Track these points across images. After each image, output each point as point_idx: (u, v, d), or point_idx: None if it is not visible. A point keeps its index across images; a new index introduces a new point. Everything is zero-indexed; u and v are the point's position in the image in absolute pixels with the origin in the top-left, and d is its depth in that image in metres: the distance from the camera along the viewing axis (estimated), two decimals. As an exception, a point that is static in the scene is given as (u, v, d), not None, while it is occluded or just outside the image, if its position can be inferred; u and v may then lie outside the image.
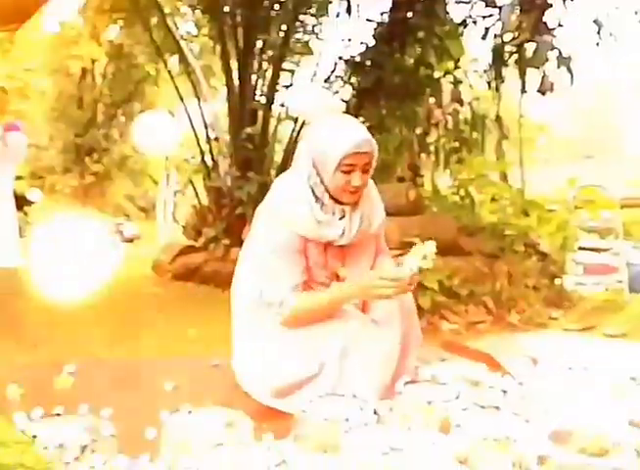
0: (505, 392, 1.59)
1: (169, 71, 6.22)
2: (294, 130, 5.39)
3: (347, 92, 5.35)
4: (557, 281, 4.31)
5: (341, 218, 1.72)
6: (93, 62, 10.40)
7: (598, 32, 4.68)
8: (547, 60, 4.64)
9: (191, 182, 5.83)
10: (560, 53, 4.45)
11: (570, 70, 4.49)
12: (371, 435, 1.19)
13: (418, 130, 5.47)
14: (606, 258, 5.84)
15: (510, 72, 5.56)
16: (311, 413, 1.36)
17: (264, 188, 4.81)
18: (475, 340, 3.01)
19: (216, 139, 5.53)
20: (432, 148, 5.71)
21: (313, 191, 1.69)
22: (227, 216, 4.88)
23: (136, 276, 5.40)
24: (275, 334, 1.71)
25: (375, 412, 1.34)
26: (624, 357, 2.28)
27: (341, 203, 1.71)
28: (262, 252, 1.72)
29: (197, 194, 5.63)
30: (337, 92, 5.43)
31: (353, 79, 5.23)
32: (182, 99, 5.63)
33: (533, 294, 3.83)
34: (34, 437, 1.13)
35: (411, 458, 1.16)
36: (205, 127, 5.46)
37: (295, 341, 1.70)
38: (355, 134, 1.64)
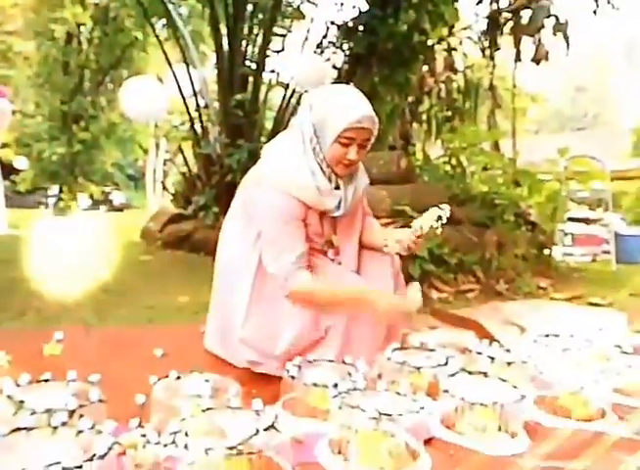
0: (493, 359, 1.61)
1: (157, 36, 6.07)
2: (285, 97, 5.31)
3: (340, 58, 5.25)
4: (546, 251, 4.34)
5: (336, 189, 1.72)
6: (78, 26, 10.08)
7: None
8: (543, 27, 4.57)
9: (180, 150, 5.75)
10: (557, 19, 4.37)
11: (566, 38, 4.42)
12: (360, 400, 1.20)
13: (410, 98, 5.40)
14: (595, 229, 5.89)
15: (505, 41, 5.49)
16: (300, 379, 1.37)
17: (255, 155, 4.75)
18: (464, 308, 3.03)
19: (206, 106, 5.44)
20: (424, 117, 5.66)
21: (314, 158, 1.68)
22: (217, 184, 4.84)
23: (125, 244, 5.37)
24: (275, 300, 1.69)
25: (364, 378, 1.34)
26: (610, 326, 2.30)
27: (335, 174, 1.71)
28: (264, 220, 1.67)
29: (186, 162, 5.57)
30: (329, 59, 5.33)
31: (345, 45, 5.12)
32: (170, 65, 5.51)
33: (522, 263, 3.86)
34: (21, 402, 1.12)
35: (399, 423, 1.17)
36: (195, 94, 5.36)
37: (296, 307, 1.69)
38: (359, 109, 1.62)
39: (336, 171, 1.69)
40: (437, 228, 1.68)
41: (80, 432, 1.01)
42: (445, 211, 1.67)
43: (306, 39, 5.39)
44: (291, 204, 1.65)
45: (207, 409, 1.12)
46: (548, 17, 4.55)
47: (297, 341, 1.65)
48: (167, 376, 1.33)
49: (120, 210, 18.13)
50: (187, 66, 5.35)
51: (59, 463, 0.88)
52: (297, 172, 1.66)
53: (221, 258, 1.82)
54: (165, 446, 1.08)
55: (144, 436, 1.13)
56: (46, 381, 1.26)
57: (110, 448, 0.94)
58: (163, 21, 6.31)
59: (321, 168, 1.67)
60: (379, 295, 1.66)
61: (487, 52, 5.57)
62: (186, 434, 1.02)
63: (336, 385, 1.28)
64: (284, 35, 5.46)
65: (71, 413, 1.10)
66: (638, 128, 9.33)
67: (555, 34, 4.43)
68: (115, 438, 1.04)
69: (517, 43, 4.70)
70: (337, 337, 1.66)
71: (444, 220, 1.67)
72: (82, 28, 10.24)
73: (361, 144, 1.65)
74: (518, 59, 4.75)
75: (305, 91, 5.44)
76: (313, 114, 1.66)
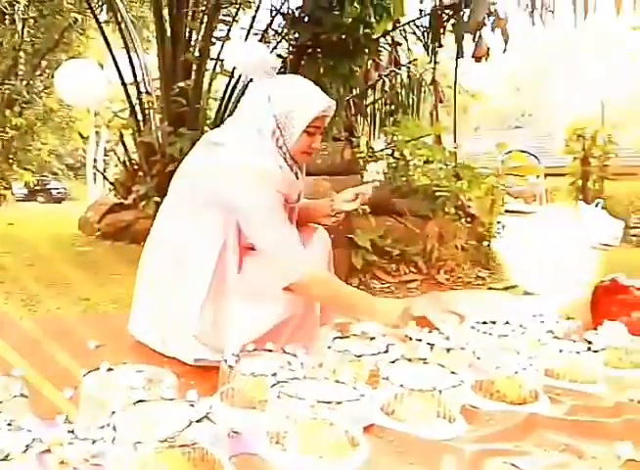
0: (432, 345, 1.61)
1: (97, 19, 5.82)
2: (229, 85, 5.21)
3: (284, 48, 5.19)
4: (484, 243, 4.45)
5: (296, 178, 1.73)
6: (12, 4, 9.52)
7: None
8: (484, 24, 4.66)
9: (121, 138, 5.55)
10: (497, 15, 4.47)
11: (504, 34, 4.53)
12: (299, 389, 1.17)
13: (355, 91, 5.41)
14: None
15: (448, 38, 5.57)
16: (238, 368, 1.33)
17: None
18: (405, 298, 3.07)
19: (147, 93, 5.26)
20: (368, 110, 5.68)
21: (278, 151, 1.65)
22: (158, 173, 4.68)
23: (63, 236, 5.16)
24: (239, 294, 1.62)
25: (302, 366, 1.32)
26: (543, 314, 2.37)
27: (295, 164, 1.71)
28: (259, 209, 1.57)
29: (126, 150, 5.38)
30: (275, 47, 5.26)
31: (291, 35, 5.07)
32: (111, 50, 5.29)
33: (462, 254, 3.94)
34: None
35: (339, 411, 1.15)
36: (136, 80, 5.18)
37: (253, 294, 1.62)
38: (324, 97, 1.66)
39: (298, 161, 1.70)
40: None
41: (-4, 429, 0.93)
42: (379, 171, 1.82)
43: (251, 27, 5.29)
44: (270, 193, 1.59)
45: (139, 402, 1.07)
46: (489, 15, 4.65)
47: (267, 335, 1.57)
48: (98, 368, 1.25)
49: (59, 201, 17.41)
50: (128, 51, 5.15)
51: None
52: (265, 162, 1.61)
53: (165, 247, 1.70)
54: (94, 442, 1.02)
55: (71, 432, 1.06)
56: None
57: (28, 446, 0.87)
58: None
59: (285, 161, 1.66)
60: (380, 302, 1.69)
61: (430, 48, 5.64)
62: (114, 428, 0.96)
63: (274, 374, 1.24)
64: (229, 22, 5.34)
65: (-11, 410, 1.02)
66: (570, 127, 9.75)
67: (493, 31, 4.52)
68: (39, 434, 0.98)
69: (459, 40, 4.78)
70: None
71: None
72: (16, 7, 9.67)
73: (322, 132, 1.68)
74: (460, 55, 4.83)
75: (250, 80, 5.35)
76: (274, 105, 1.62)
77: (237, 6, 5.39)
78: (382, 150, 5.04)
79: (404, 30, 5.77)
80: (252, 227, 1.59)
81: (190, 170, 1.73)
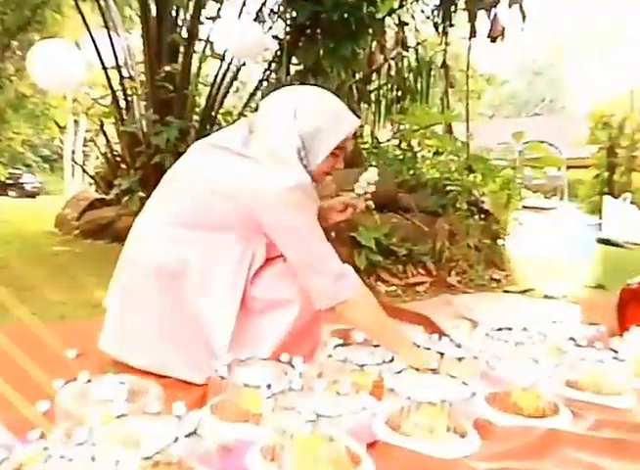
0: (442, 354, 1.62)
1: (73, -6, 5.81)
2: (220, 69, 5.21)
3: (281, 28, 5.19)
4: (499, 241, 4.45)
5: None
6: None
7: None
8: (499, 1, 4.66)
9: (101, 127, 5.55)
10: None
11: (522, 11, 4.52)
12: (296, 401, 1.17)
13: (358, 76, 5.40)
14: (550, 218, 6.12)
15: (459, 18, 5.56)
16: (230, 379, 1.33)
17: (185, 134, 4.65)
18: (413, 302, 3.07)
19: (131, 78, 5.26)
20: (372, 96, 5.67)
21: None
22: (143, 166, 4.69)
23: (38, 234, 5.16)
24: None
25: (301, 377, 1.32)
26: (564, 319, 2.38)
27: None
28: (292, 230, 1.58)
29: (108, 141, 5.38)
30: (270, 28, 5.25)
31: (288, 14, 5.06)
32: (89, 30, 5.27)
33: (475, 254, 3.94)
34: None
35: (339, 426, 1.15)
36: (118, 64, 5.17)
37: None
38: (353, 118, 1.69)
39: (317, 180, 1.69)
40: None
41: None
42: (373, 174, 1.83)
43: (244, 5, 5.29)
44: (315, 212, 1.65)
45: (121, 416, 1.07)
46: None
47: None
48: (76, 379, 1.26)
49: (33, 195, 17.41)
50: (109, 31, 5.14)
51: None
52: (308, 182, 1.61)
53: (165, 256, 1.64)
54: (71, 460, 1.02)
55: (46, 449, 1.06)
56: None
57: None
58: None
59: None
60: (410, 347, 1.66)
61: (441, 28, 5.63)
62: (93, 445, 0.96)
63: (269, 385, 1.24)
64: (219, 0, 5.34)
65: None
66: (595, 114, 9.74)
67: (510, 7, 4.51)
68: (10, 452, 0.98)
69: (471, 18, 4.77)
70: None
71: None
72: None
73: (346, 153, 1.71)
74: (473, 35, 4.82)
75: (243, 64, 5.36)
76: (300, 123, 1.60)
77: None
78: (388, 140, 5.05)
79: (412, 8, 5.77)
80: (294, 246, 1.60)
81: (210, 178, 1.63)
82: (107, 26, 5.17)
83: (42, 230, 5.37)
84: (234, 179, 1.58)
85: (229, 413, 1.32)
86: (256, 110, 1.78)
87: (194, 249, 1.60)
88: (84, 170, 7.02)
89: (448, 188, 4.14)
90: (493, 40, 4.82)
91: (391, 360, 1.53)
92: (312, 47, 4.78)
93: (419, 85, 5.74)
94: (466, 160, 4.46)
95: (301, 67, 4.97)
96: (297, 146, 1.59)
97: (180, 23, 5.21)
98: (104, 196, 5.24)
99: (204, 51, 5.26)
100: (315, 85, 1.81)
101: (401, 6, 5.57)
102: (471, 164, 4.41)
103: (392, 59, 5.70)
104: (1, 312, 2.36)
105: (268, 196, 1.54)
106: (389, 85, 5.77)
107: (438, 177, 4.34)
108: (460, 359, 1.60)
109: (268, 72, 5.38)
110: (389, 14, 5.51)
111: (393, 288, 3.35)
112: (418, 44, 5.92)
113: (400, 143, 4.71)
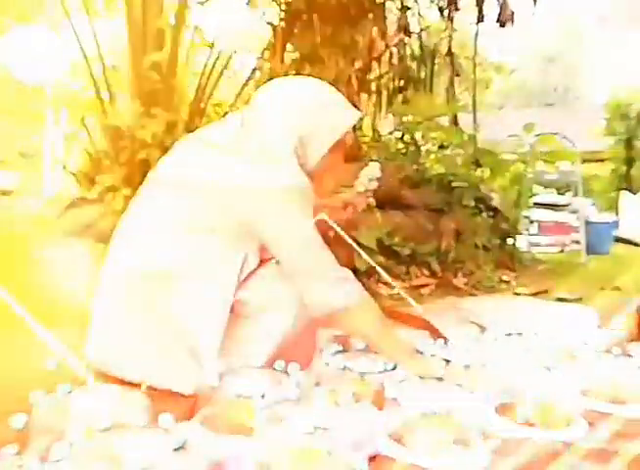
0: (448, 361, 1.62)
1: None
2: (209, 58, 5.21)
3: (276, 14, 5.19)
4: (509, 241, 4.46)
5: None
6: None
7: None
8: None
9: (82, 121, 5.55)
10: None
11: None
12: (291, 412, 1.17)
13: (357, 64, 5.40)
14: (563, 215, 6.12)
15: (466, 0, 5.57)
16: (221, 389, 1.33)
17: (172, 128, 4.65)
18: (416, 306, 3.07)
19: (113, 67, 5.26)
20: (373, 86, 5.67)
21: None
22: (127, 162, 4.69)
23: (15, 236, 5.16)
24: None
25: (297, 386, 1.32)
26: (578, 323, 2.38)
27: None
28: (287, 235, 1.58)
29: (89, 135, 5.38)
30: (264, 13, 5.26)
31: (282, -1, 5.08)
32: (68, 14, 5.27)
33: (483, 254, 3.95)
34: None
35: (339, 438, 1.15)
36: (99, 52, 5.17)
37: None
38: (353, 110, 1.70)
39: (314, 180, 1.67)
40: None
41: None
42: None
43: (236, -11, 5.31)
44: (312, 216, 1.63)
45: (104, 430, 1.07)
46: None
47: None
48: (55, 390, 1.26)
49: (8, 194, 17.40)
50: (89, 16, 5.14)
51: None
52: (307, 185, 1.60)
53: (151, 258, 1.64)
54: (50, 476, 1.02)
55: (21, 467, 1.06)
56: None
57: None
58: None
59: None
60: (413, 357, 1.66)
61: (446, 13, 5.64)
62: (74, 461, 0.96)
63: (263, 395, 1.25)
64: (209, -17, 5.35)
65: None
66: (612, 104, 9.75)
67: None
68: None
69: (479, 2, 4.78)
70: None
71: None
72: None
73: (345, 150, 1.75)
74: (480, 20, 4.83)
75: (234, 52, 5.36)
76: (296, 117, 1.60)
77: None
78: (389, 133, 5.05)
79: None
80: (288, 249, 1.60)
81: (198, 178, 1.63)
82: (87, 11, 5.17)
83: (19, 231, 5.37)
84: (223, 179, 1.57)
85: (220, 425, 1.31)
86: (249, 102, 1.77)
87: (182, 252, 1.60)
88: (64, 167, 7.01)
89: (454, 184, 4.16)
90: (502, 25, 4.84)
91: (394, 368, 1.54)
92: (308, 34, 4.79)
93: (422, 74, 5.75)
94: (473, 153, 4.48)
95: (297, 55, 4.97)
96: (292, 142, 1.59)
97: (166, 7, 5.21)
98: (86, 194, 5.24)
99: (192, 38, 5.27)
100: (312, 75, 1.82)
101: (404, -11, 5.58)
102: (478, 158, 4.43)
103: (394, 46, 5.70)
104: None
105: (261, 197, 1.54)
106: (391, 74, 5.77)
107: (444, 172, 4.35)
108: (467, 367, 1.61)
109: (261, 61, 5.39)
110: (391, -3, 5.53)
111: (396, 291, 3.35)
112: (421, 30, 5.93)
113: (403, 136, 4.71)
